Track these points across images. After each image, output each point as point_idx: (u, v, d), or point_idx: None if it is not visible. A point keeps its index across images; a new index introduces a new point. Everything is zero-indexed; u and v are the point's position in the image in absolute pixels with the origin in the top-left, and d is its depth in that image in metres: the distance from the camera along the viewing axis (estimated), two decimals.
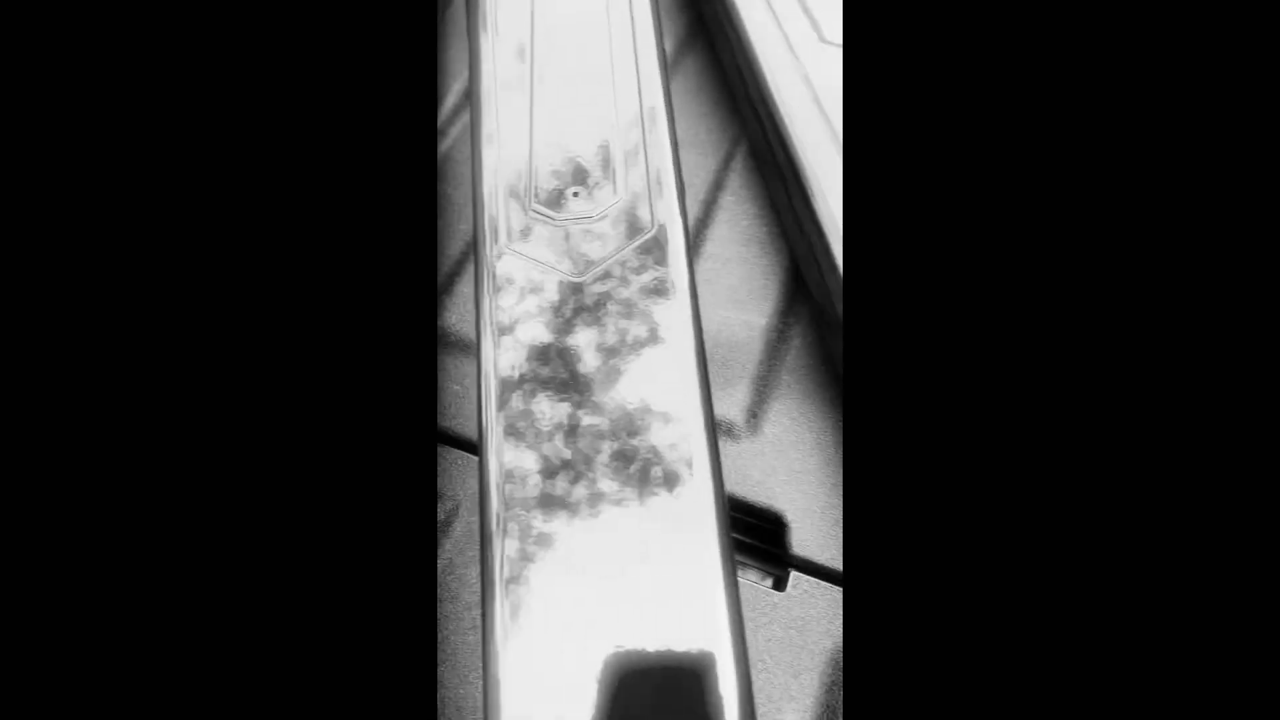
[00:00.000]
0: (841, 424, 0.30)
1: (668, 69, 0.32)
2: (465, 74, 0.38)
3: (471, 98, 0.31)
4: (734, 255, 0.33)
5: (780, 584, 0.27)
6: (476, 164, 0.30)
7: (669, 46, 0.39)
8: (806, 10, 0.32)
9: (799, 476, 0.29)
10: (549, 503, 0.23)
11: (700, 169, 0.36)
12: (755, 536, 0.28)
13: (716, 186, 0.36)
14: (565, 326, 0.25)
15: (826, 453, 0.29)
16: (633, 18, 0.32)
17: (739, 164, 0.36)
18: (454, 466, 0.30)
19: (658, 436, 0.23)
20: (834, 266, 0.28)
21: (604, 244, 0.27)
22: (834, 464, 0.29)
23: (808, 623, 0.26)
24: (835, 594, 0.27)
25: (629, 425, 0.24)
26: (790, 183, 0.31)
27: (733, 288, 0.32)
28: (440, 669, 0.27)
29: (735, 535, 0.28)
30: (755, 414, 0.30)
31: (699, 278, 0.32)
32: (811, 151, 0.30)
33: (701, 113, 0.37)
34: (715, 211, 0.35)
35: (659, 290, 0.26)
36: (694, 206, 0.35)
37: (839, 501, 0.28)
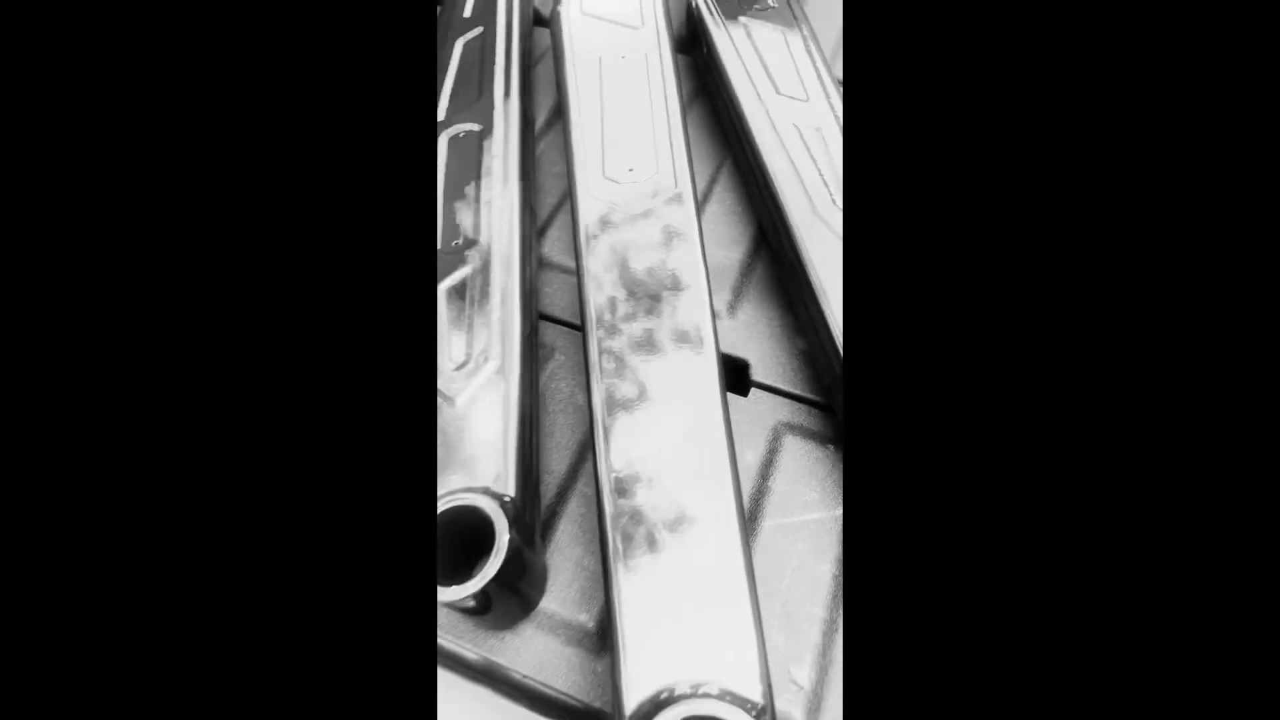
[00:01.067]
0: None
1: (685, 110, 0.53)
2: (555, 99, 0.59)
3: (564, 117, 0.51)
4: (724, 215, 0.53)
5: (745, 392, 0.45)
6: (569, 154, 0.49)
7: (687, 89, 0.60)
8: (768, 73, 0.53)
9: (759, 341, 0.47)
10: (637, 346, 0.40)
11: (702, 176, 0.56)
12: (730, 370, 0.46)
13: (713, 181, 0.56)
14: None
15: (775, 329, 0.48)
16: (664, 77, 0.53)
17: (727, 170, 0.56)
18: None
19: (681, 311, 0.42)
20: (787, 228, 0.47)
21: (644, 203, 0.46)
22: (785, 335, 0.47)
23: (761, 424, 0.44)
24: (781, 401, 0.45)
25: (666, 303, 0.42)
26: (758, 180, 0.51)
27: (721, 235, 0.52)
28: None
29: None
30: (733, 307, 0.49)
31: (704, 227, 0.52)
32: (771, 161, 0.50)
33: (701, 139, 0.58)
34: (712, 193, 0.55)
35: (679, 235, 0.45)
36: (700, 186, 0.54)
37: (785, 358, 0.47)
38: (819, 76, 0.53)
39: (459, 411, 0.37)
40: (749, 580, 0.32)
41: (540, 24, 0.67)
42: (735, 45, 0.56)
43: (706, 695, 0.28)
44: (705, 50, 0.58)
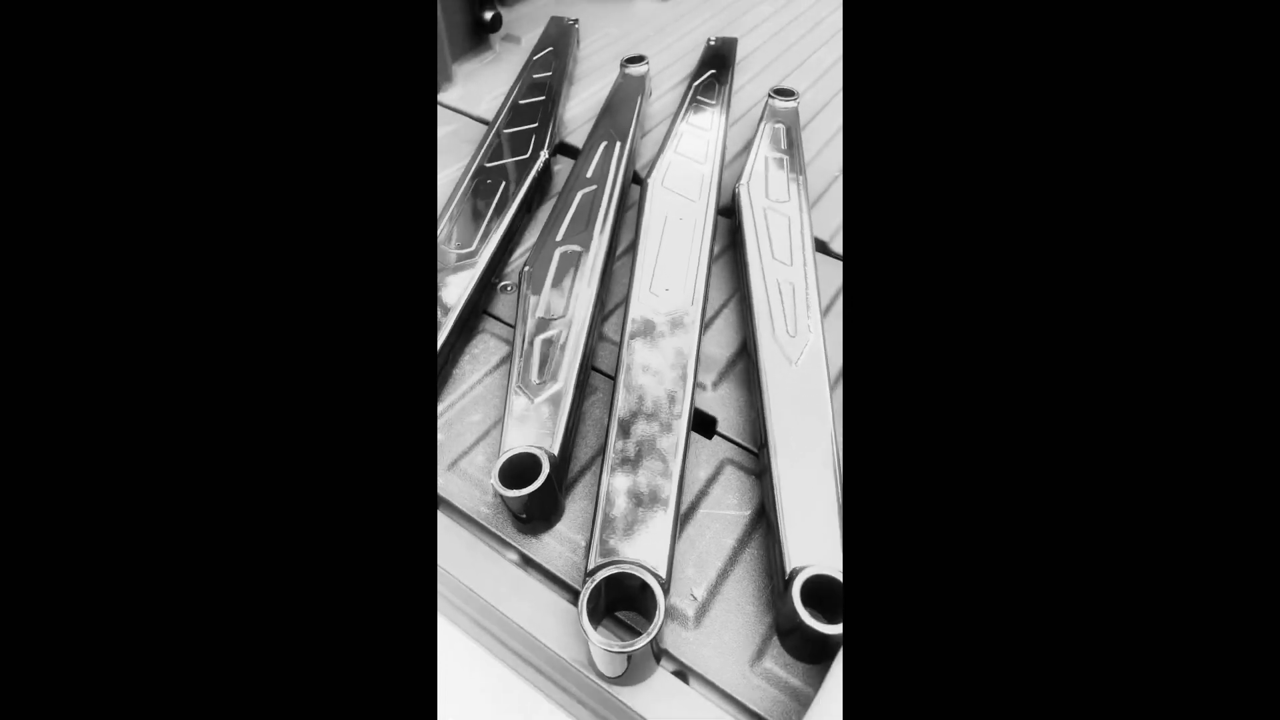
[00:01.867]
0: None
1: (712, 257, 0.82)
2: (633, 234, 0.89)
3: (633, 250, 0.81)
4: (725, 327, 0.80)
5: (710, 436, 0.70)
6: (632, 273, 0.79)
7: (718, 248, 0.90)
8: (770, 243, 0.82)
9: (726, 407, 0.73)
10: (646, 392, 0.68)
11: (719, 298, 0.84)
12: (703, 421, 0.72)
13: (724, 304, 0.83)
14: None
15: (739, 403, 0.73)
16: (705, 229, 0.83)
17: (736, 299, 0.84)
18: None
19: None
20: (755, 343, 0.73)
21: (669, 312, 0.74)
22: (743, 407, 0.73)
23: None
24: (730, 446, 0.70)
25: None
26: (748, 310, 0.78)
27: (720, 339, 0.79)
28: None
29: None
30: (716, 383, 0.75)
31: (709, 332, 0.79)
32: (757, 300, 0.77)
33: (725, 275, 0.86)
34: (721, 312, 0.82)
35: (685, 332, 0.72)
36: (714, 305, 0.82)
37: (740, 420, 0.72)
38: (803, 250, 0.81)
39: (533, 405, 0.64)
40: (675, 519, 0.56)
41: (636, 181, 0.99)
42: (754, 222, 0.85)
43: (633, 562, 0.52)
44: (737, 221, 0.88)
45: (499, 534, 0.62)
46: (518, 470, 0.59)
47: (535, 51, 1.22)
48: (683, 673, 0.55)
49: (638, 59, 1.19)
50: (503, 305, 0.83)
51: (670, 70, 1.29)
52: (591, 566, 0.53)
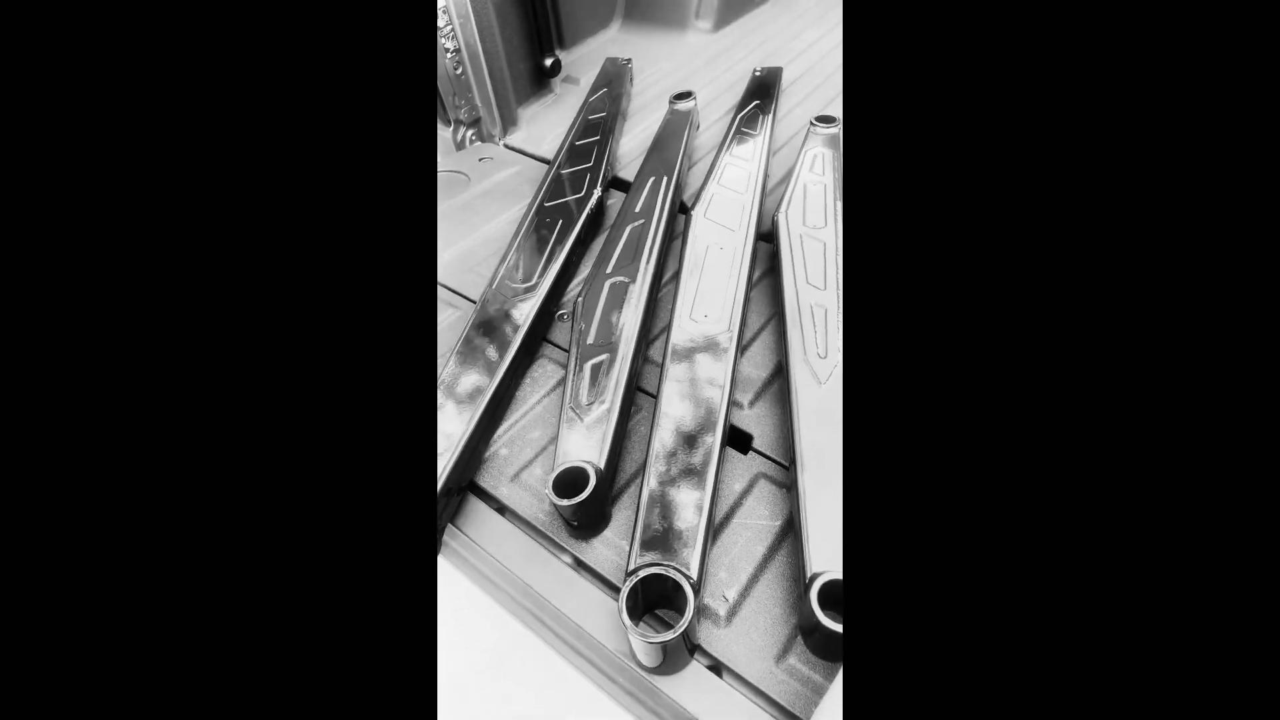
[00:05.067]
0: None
1: (751, 284, 0.88)
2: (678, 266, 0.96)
3: (677, 279, 0.88)
4: (762, 350, 0.86)
5: (745, 451, 0.76)
6: (675, 300, 0.86)
7: (756, 275, 0.96)
8: (805, 268, 0.87)
9: (761, 424, 0.78)
10: (685, 412, 0.75)
11: (757, 322, 0.90)
12: (739, 437, 0.78)
13: (763, 327, 0.89)
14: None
15: (774, 420, 0.79)
16: (743, 258, 0.89)
17: (774, 322, 0.90)
18: None
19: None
20: (788, 364, 0.78)
21: (708, 336, 0.81)
22: (778, 425, 0.78)
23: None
24: (765, 461, 0.75)
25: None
26: (783, 332, 0.83)
27: (757, 360, 0.85)
28: None
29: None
30: (753, 402, 0.81)
31: (747, 353, 0.85)
32: (790, 322, 0.82)
33: (764, 299, 0.92)
34: (760, 335, 0.88)
35: (723, 354, 0.79)
36: (753, 328, 0.88)
37: (774, 437, 0.77)
38: (836, 274, 0.86)
39: (583, 424, 0.72)
40: (707, 527, 0.63)
41: (683, 211, 1.06)
42: (791, 248, 0.91)
43: (668, 564, 0.59)
44: (776, 247, 0.93)
45: (554, 538, 0.70)
46: (570, 482, 0.67)
47: (592, 92, 1.32)
48: (716, 666, 0.61)
49: (685, 95, 1.26)
50: (559, 332, 0.92)
51: (719, 101, 1.36)
52: (631, 567, 0.60)
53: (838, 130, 1.12)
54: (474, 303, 0.98)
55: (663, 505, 0.65)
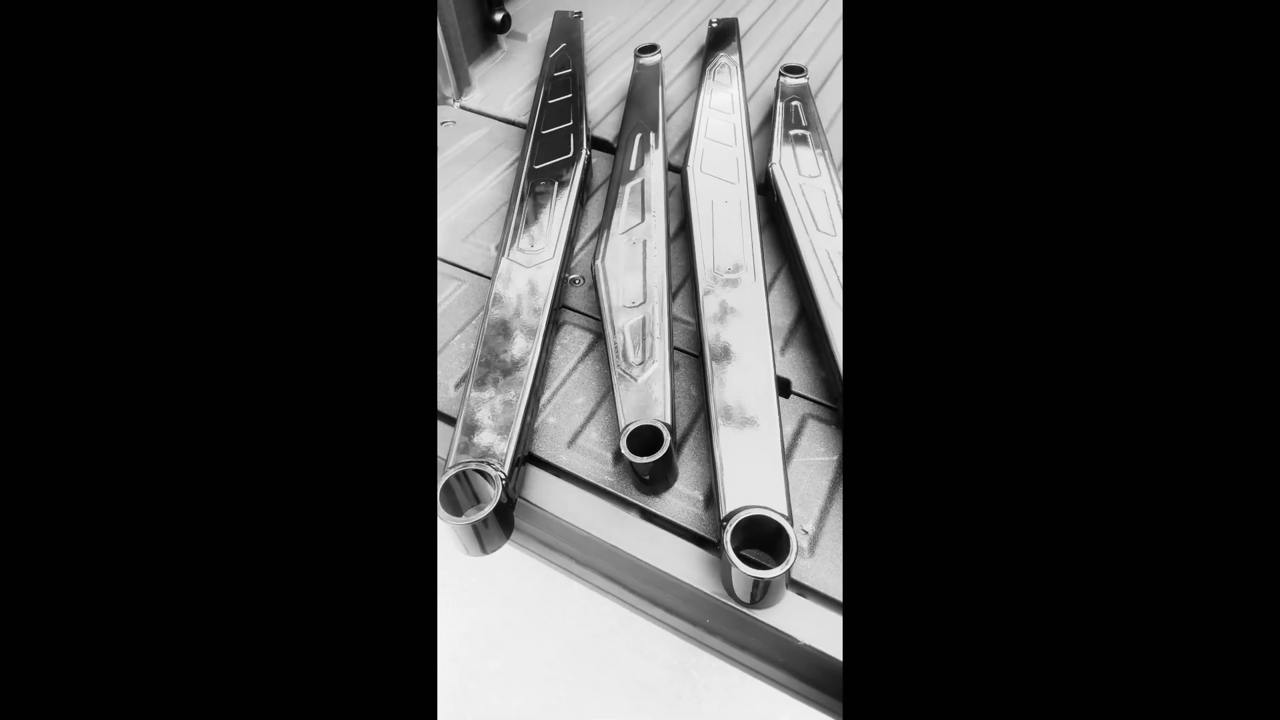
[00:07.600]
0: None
1: (760, 229, 0.90)
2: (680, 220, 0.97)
3: (687, 233, 0.89)
4: (779, 299, 0.89)
5: (787, 396, 0.80)
6: (691, 256, 0.87)
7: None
8: (812, 215, 0.90)
9: (798, 369, 0.82)
10: (727, 371, 0.77)
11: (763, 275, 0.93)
12: (778, 383, 0.82)
13: (775, 277, 0.92)
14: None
15: (808, 363, 0.83)
16: (749, 209, 0.91)
17: (785, 271, 0.93)
18: None
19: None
20: (815, 307, 0.82)
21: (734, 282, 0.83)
22: (812, 366, 0.82)
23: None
24: (808, 403, 0.79)
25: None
26: (802, 280, 0.87)
27: (777, 309, 0.88)
28: None
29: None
30: (784, 350, 0.84)
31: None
32: (811, 270, 0.86)
33: (774, 256, 0.95)
34: (773, 285, 0.91)
35: (751, 306, 0.81)
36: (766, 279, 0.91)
37: (812, 379, 0.81)
38: (842, 220, 0.90)
39: (639, 384, 0.73)
40: (783, 466, 0.66)
41: (674, 170, 1.07)
42: (793, 198, 0.94)
43: (763, 507, 0.62)
44: (775, 198, 0.96)
45: (626, 497, 0.72)
46: (640, 441, 0.68)
47: (549, 49, 1.28)
48: (805, 592, 0.65)
49: (651, 48, 1.25)
50: (574, 297, 0.91)
51: (677, 54, 1.35)
52: (726, 513, 0.63)
53: (806, 80, 1.15)
54: (477, 275, 0.95)
55: (736, 452, 0.67)
